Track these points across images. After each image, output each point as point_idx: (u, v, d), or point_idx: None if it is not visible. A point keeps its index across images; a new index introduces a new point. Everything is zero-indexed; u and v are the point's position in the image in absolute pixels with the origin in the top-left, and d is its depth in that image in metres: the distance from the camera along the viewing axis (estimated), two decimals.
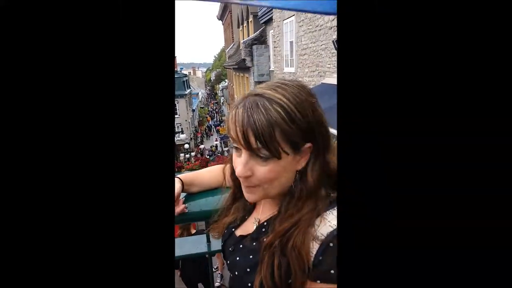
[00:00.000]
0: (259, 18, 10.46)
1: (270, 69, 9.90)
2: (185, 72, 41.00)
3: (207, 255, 0.86)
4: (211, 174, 0.80)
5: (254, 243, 0.57)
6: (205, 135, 30.27)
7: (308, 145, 0.52)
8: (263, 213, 0.63)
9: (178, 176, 0.75)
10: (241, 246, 0.61)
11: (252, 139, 0.48)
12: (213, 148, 21.53)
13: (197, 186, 0.78)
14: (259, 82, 10.63)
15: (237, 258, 0.59)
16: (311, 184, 0.52)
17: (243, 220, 0.66)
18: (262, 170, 0.51)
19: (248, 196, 0.56)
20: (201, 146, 17.59)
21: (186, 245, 0.86)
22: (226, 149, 18.91)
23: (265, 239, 0.54)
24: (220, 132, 25.65)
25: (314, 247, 0.48)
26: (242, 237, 0.62)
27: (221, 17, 22.64)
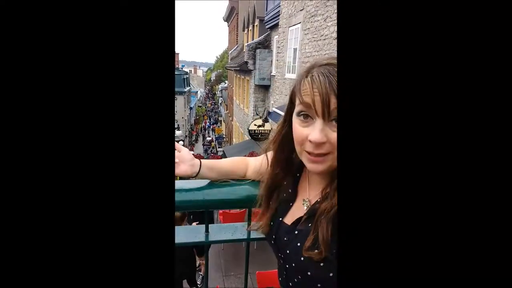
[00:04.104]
0: (265, 23, 10.52)
1: (272, 74, 9.93)
2: (186, 70, 41.01)
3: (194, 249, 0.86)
4: (232, 164, 0.80)
5: (310, 224, 0.57)
6: (200, 135, 30.16)
7: None
8: (312, 192, 0.62)
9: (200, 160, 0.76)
10: (296, 232, 0.59)
11: (333, 103, 0.50)
12: (213, 144, 21.64)
13: (215, 173, 0.78)
14: (260, 86, 10.56)
15: (298, 244, 0.58)
16: None
17: (287, 208, 0.65)
18: (335, 135, 0.52)
19: (316, 167, 0.56)
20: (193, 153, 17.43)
21: (181, 234, 0.86)
22: (220, 149, 18.87)
23: (322, 206, 0.55)
24: (216, 132, 25.62)
25: None
26: (295, 223, 0.61)
27: (227, 19, 22.68)
